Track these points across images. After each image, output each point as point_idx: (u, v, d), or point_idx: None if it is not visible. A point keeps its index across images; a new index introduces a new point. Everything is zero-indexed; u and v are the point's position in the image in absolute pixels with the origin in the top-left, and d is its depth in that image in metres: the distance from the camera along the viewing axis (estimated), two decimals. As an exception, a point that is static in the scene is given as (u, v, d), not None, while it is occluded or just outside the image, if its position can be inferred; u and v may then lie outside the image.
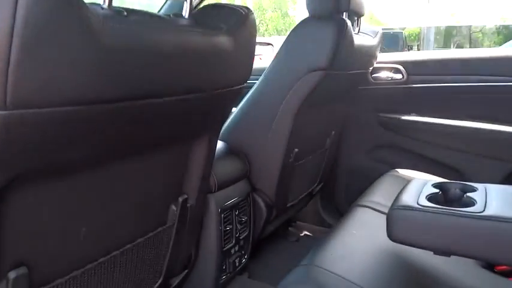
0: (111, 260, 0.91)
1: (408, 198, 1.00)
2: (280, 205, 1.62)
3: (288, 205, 1.69)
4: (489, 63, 1.83)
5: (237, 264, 1.44)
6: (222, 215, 1.33)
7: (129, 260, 0.98)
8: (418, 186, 1.09)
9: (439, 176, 1.85)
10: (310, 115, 1.55)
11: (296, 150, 1.53)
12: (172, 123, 0.89)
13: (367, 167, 2.07)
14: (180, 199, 1.07)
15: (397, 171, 1.91)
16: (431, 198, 1.00)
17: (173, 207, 1.08)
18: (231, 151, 1.46)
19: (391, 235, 0.96)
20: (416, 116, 1.95)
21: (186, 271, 1.29)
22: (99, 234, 0.86)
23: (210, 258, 1.33)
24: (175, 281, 1.26)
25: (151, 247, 1.04)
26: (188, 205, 1.11)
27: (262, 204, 1.54)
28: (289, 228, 2.19)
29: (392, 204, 1.00)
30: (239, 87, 0.98)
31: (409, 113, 1.97)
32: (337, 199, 2.19)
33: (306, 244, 2.09)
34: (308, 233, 2.20)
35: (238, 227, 1.41)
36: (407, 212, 0.94)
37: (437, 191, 1.05)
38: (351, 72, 1.59)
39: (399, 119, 1.98)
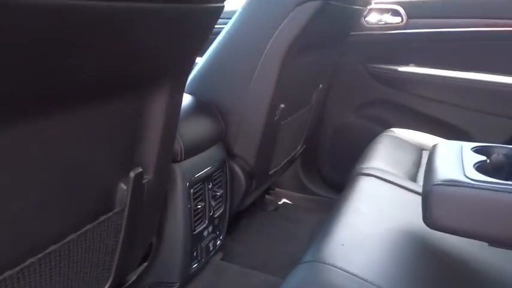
0: (36, 262, 0.60)
1: (450, 168, 0.73)
2: (261, 173, 1.33)
3: (270, 172, 1.41)
4: (505, 4, 1.56)
5: (211, 248, 1.16)
6: (192, 190, 1.02)
7: (62, 260, 0.67)
8: (455, 150, 0.82)
9: (441, 137, 1.61)
10: (297, 63, 1.24)
11: (282, 106, 1.23)
12: (121, 53, 0.56)
13: (356, 126, 1.80)
14: (132, 174, 0.76)
15: (392, 131, 1.65)
16: (479, 167, 0.74)
17: (122, 185, 0.76)
18: (201, 108, 1.13)
19: (430, 221, 0.69)
20: (416, 67, 1.68)
21: (146, 264, 1.00)
22: (16, 229, 0.55)
23: (176, 246, 1.03)
24: (133, 277, 0.96)
25: (92, 242, 0.73)
26: (144, 181, 0.79)
27: (240, 172, 1.24)
28: (267, 196, 1.93)
29: (429, 178, 0.72)
30: (217, 5, 0.65)
31: (407, 64, 1.69)
32: (320, 163, 1.93)
33: (286, 214, 1.84)
34: (288, 201, 1.95)
35: (213, 203, 1.11)
36: (455, 190, 0.67)
37: (483, 158, 0.78)
38: (351, 6, 1.28)
39: (395, 71, 1.70)
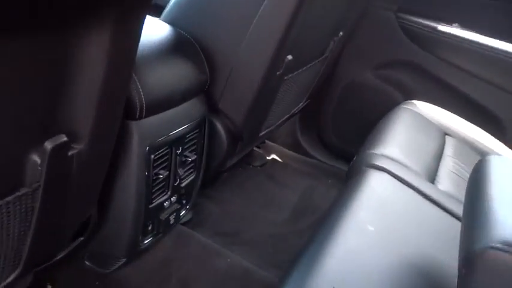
0: None
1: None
2: (249, 135, 1.08)
3: (261, 134, 1.16)
4: None
5: (172, 221, 0.95)
6: (152, 156, 0.78)
7: None
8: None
9: (467, 119, 1.36)
10: (316, 2, 0.94)
11: (289, 58, 0.94)
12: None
13: (371, 88, 1.52)
14: (49, 145, 0.51)
15: (413, 103, 1.38)
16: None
17: (35, 159, 0.52)
18: (179, 45, 0.84)
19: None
20: (460, 29, 1.36)
21: (81, 239, 0.78)
22: None
23: (124, 220, 0.82)
24: (61, 253, 0.76)
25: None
26: (72, 152, 0.55)
27: (222, 133, 0.99)
28: (254, 149, 1.69)
29: (480, 228, 0.49)
30: None
31: (450, 23, 1.38)
32: (322, 123, 1.67)
33: (273, 172, 1.62)
34: (277, 158, 1.72)
35: (180, 171, 0.88)
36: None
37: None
38: None
39: (434, 30, 1.38)
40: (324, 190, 1.56)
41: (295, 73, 1.08)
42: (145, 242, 0.90)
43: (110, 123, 0.60)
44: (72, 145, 0.55)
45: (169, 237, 1.07)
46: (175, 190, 0.91)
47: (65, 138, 0.53)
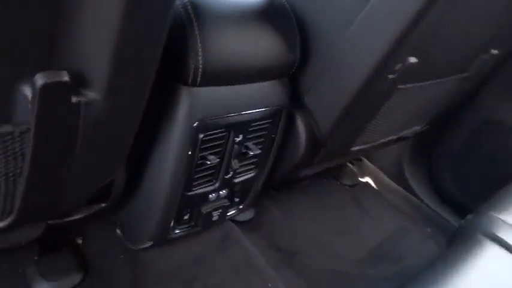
0: None
1: None
2: (336, 145, 0.88)
3: (354, 149, 0.95)
4: None
5: (215, 217, 0.80)
6: (201, 136, 0.64)
7: None
8: None
9: None
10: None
11: (412, 60, 0.71)
12: None
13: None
14: (41, 79, 0.39)
15: None
16: None
17: (25, 92, 0.41)
18: (271, 10, 0.67)
19: None
20: None
21: (103, 205, 0.68)
22: None
23: (155, 200, 0.69)
24: (76, 215, 0.67)
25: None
26: (78, 99, 0.43)
27: (302, 132, 0.80)
28: (348, 164, 1.46)
29: None
30: None
31: None
32: (437, 160, 1.36)
33: (362, 199, 1.38)
34: (371, 183, 1.46)
35: (234, 164, 0.72)
36: None
37: None
38: None
39: None
40: (418, 238, 1.27)
41: (416, 84, 0.84)
42: (177, 231, 0.77)
43: (138, 76, 0.46)
44: (80, 90, 0.43)
45: (213, 234, 0.93)
46: (227, 184, 0.76)
47: (67, 78, 0.40)
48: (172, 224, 0.75)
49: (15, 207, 0.53)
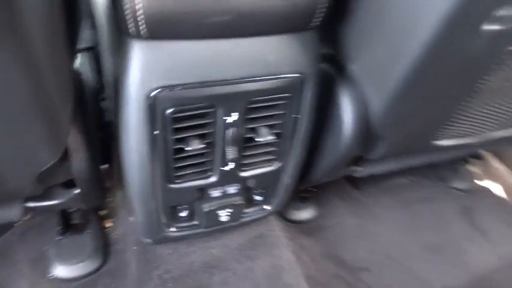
0: None
1: None
2: (403, 138, 0.60)
3: (442, 143, 0.64)
4: None
5: (225, 218, 0.62)
6: (169, 111, 0.45)
7: None
8: None
9: None
10: None
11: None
12: None
13: None
14: None
15: None
16: None
17: None
18: None
19: None
20: None
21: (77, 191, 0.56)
22: None
23: (131, 189, 0.54)
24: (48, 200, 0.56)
25: None
26: None
27: (349, 117, 0.55)
28: (465, 163, 1.09)
29: None
30: None
31: None
32: None
33: (475, 209, 1.02)
34: (497, 190, 1.08)
35: (230, 151, 0.52)
36: None
37: None
38: None
39: None
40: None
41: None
42: (174, 230, 0.61)
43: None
44: None
45: (241, 235, 0.75)
46: (231, 178, 0.56)
47: None
48: (165, 220, 0.59)
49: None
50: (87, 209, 0.79)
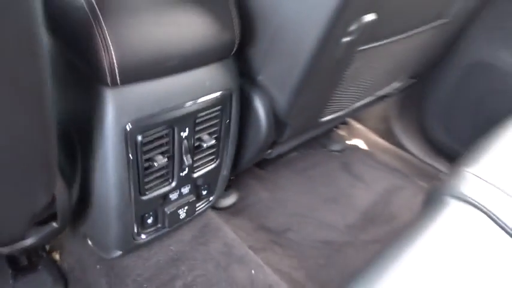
0: None
1: None
2: (302, 122, 0.82)
3: (324, 119, 0.88)
4: None
5: (183, 215, 0.75)
6: (140, 138, 0.58)
7: None
8: None
9: None
10: None
11: (368, 18, 0.63)
12: None
13: (506, 74, 1.09)
14: None
15: None
16: None
17: None
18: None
19: None
20: None
21: (55, 226, 0.63)
22: None
23: (107, 206, 0.64)
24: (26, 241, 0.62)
25: None
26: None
27: (261, 112, 0.74)
28: (334, 129, 1.40)
29: None
30: None
31: None
32: (426, 111, 1.29)
33: (352, 163, 1.32)
34: (362, 144, 1.40)
35: (186, 159, 0.66)
36: None
37: None
38: None
39: None
40: (410, 195, 1.22)
41: (382, 42, 0.76)
42: (144, 236, 0.73)
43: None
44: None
45: (191, 229, 0.89)
46: (186, 180, 0.70)
47: None
48: (136, 230, 0.70)
49: None
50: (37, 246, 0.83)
